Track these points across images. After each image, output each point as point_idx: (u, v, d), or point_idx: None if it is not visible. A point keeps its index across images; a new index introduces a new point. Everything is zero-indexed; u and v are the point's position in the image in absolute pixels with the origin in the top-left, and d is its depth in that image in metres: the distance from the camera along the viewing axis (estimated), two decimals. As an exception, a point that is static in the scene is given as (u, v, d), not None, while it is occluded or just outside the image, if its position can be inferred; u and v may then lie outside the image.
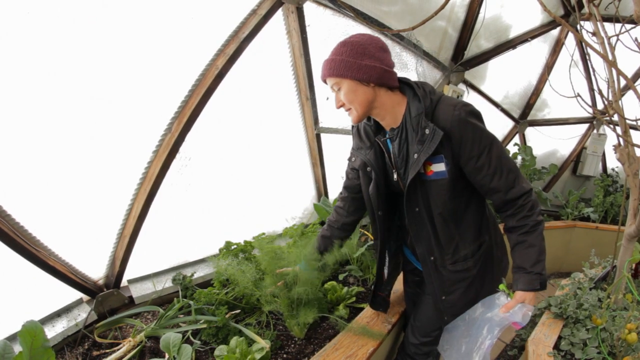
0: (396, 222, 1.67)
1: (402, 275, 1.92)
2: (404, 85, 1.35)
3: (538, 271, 1.33)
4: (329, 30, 2.37)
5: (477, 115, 1.29)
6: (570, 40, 3.96)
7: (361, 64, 1.22)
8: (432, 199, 1.36)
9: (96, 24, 1.42)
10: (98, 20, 1.42)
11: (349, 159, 1.59)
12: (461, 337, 1.47)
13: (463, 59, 3.44)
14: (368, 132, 1.45)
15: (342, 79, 1.26)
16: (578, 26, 2.19)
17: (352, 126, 1.53)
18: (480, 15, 3.06)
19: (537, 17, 3.59)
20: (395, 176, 1.42)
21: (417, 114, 1.27)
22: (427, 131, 1.24)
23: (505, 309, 1.35)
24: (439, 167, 1.30)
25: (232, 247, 2.10)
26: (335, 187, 3.23)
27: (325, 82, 1.35)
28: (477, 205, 1.45)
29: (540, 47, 4.00)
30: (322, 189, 3.05)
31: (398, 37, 2.88)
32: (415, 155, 1.28)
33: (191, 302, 1.86)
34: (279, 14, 2.04)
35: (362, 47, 1.23)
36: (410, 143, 1.32)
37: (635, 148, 1.96)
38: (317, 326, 1.91)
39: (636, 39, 1.70)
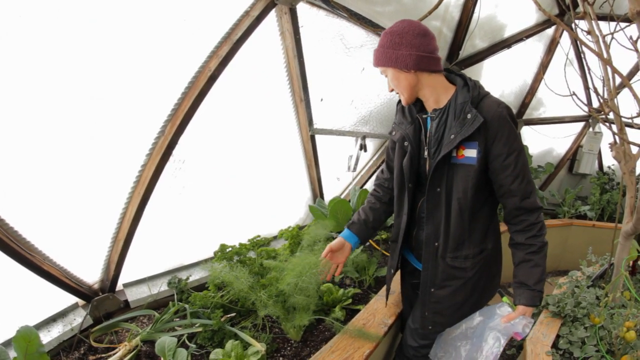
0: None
1: (400, 276, 1.91)
2: (456, 76, 1.44)
3: (540, 289, 1.42)
4: (322, 31, 2.36)
5: (515, 121, 1.39)
6: (565, 39, 3.95)
7: (398, 54, 1.32)
8: (455, 183, 1.42)
9: (89, 26, 1.41)
10: (91, 23, 1.41)
11: (390, 133, 1.64)
12: (460, 344, 1.51)
13: (458, 59, 3.43)
14: (412, 109, 1.52)
15: (385, 67, 1.39)
16: (573, 25, 2.18)
17: (398, 102, 1.60)
18: (475, 15, 3.05)
19: (532, 16, 3.58)
20: (425, 153, 1.47)
21: (463, 101, 1.36)
22: (469, 116, 1.32)
23: (507, 319, 1.43)
24: (471, 152, 1.37)
25: (227, 250, 2.09)
26: (331, 189, 3.21)
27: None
28: (490, 209, 1.51)
29: (535, 46, 3.99)
30: (317, 191, 3.04)
31: (393, 37, 2.86)
32: (452, 136, 1.35)
33: (187, 306, 1.85)
34: (272, 15, 2.03)
35: (400, 36, 1.32)
36: (448, 127, 1.39)
37: (631, 146, 1.96)
38: (314, 328, 1.90)
39: (631, 37, 1.70)
